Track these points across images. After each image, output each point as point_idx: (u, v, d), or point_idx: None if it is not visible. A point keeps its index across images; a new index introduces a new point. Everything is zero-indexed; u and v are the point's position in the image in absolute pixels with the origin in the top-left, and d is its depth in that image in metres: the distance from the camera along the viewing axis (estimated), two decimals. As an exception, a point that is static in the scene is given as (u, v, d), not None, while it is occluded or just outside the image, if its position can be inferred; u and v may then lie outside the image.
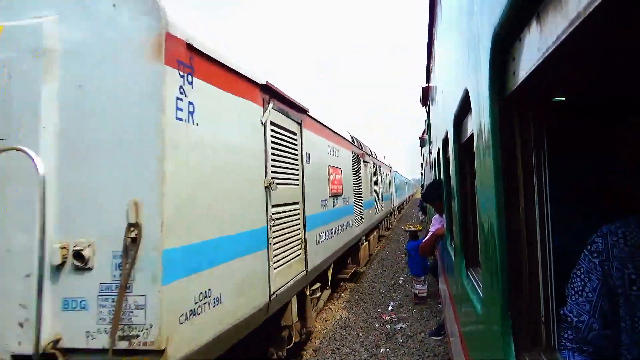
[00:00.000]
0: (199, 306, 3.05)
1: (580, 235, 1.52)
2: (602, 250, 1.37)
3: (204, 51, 3.25)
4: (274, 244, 4.58)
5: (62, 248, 2.78)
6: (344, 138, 9.66)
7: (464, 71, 2.17)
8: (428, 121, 11.21)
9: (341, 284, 10.50)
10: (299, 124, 5.89)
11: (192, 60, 3.09)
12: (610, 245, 1.36)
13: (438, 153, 5.80)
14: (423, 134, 17.77)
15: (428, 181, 10.78)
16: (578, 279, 1.41)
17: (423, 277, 8.96)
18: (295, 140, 5.72)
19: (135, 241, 2.68)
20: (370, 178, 13.93)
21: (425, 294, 8.98)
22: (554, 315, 1.38)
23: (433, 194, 5.31)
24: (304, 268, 5.77)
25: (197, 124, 3.15)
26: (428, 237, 5.40)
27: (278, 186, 4.71)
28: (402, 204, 40.12)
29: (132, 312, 2.68)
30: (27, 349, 2.67)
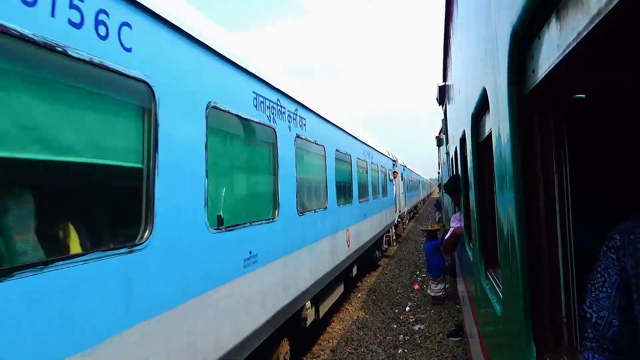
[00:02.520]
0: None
1: (599, 233, 1.50)
2: (620, 246, 1.36)
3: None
4: None
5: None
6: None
7: (481, 69, 2.14)
8: (445, 120, 11.07)
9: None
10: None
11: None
12: (627, 242, 1.35)
13: (455, 152, 5.74)
14: (440, 132, 17.55)
15: (445, 182, 10.67)
16: (598, 275, 1.40)
17: (438, 278, 8.90)
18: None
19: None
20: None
21: (440, 294, 8.89)
22: (576, 315, 1.36)
23: (454, 187, 5.45)
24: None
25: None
26: (448, 234, 5.48)
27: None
28: (380, 241, 13.42)
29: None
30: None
